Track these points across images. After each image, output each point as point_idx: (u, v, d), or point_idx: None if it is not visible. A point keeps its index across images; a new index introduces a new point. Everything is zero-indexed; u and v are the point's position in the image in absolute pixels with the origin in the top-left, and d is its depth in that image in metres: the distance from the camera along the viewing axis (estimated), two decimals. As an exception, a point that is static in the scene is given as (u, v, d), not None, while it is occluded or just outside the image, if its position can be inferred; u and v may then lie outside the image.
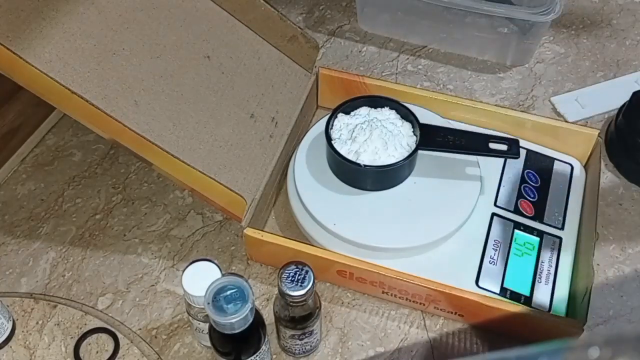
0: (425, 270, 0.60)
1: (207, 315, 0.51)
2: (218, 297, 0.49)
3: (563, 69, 0.85)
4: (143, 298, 0.64)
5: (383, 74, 0.85)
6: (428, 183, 0.66)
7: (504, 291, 0.61)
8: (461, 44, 0.87)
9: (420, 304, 0.62)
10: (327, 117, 0.67)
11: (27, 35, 0.52)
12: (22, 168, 0.75)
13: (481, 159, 0.68)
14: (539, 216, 0.67)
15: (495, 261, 0.63)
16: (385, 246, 0.62)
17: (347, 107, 0.68)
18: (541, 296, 0.61)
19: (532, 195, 0.68)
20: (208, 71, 0.65)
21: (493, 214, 0.66)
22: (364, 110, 0.68)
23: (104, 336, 0.61)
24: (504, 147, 0.65)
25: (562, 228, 0.66)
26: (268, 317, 0.60)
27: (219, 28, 0.68)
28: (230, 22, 0.70)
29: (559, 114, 0.80)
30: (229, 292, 0.49)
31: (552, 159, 0.72)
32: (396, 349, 0.60)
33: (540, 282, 0.62)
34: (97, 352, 0.60)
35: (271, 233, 0.64)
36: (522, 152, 0.71)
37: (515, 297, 0.61)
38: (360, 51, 0.89)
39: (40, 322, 0.62)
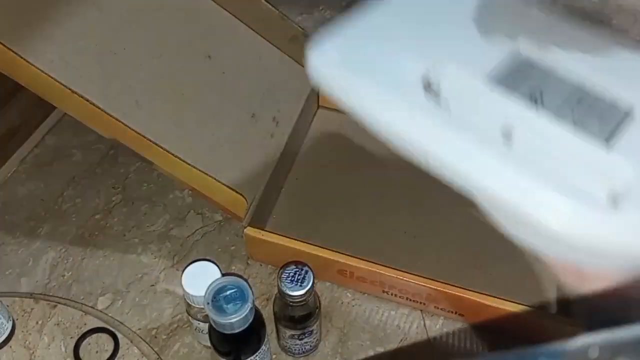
0: None
1: (207, 315, 0.51)
2: (218, 297, 0.49)
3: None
4: (143, 298, 0.64)
5: (383, 74, 0.85)
6: None
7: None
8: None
9: (421, 303, 0.62)
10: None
11: (29, 35, 0.52)
12: (22, 168, 0.75)
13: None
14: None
15: None
16: None
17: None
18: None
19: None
20: (209, 71, 0.65)
21: None
22: None
23: (103, 336, 0.61)
24: None
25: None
26: (268, 317, 0.60)
27: (220, 28, 0.68)
28: (232, 22, 0.70)
29: (559, 114, 0.80)
30: (228, 292, 0.49)
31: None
32: (396, 349, 0.60)
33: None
34: (96, 352, 0.60)
35: (271, 232, 0.64)
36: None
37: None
38: (360, 51, 0.89)
39: (40, 322, 0.62)
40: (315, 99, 0.79)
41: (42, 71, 0.51)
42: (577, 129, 0.45)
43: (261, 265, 0.66)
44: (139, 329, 0.62)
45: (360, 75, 0.49)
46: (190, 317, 0.57)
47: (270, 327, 0.58)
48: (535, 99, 0.47)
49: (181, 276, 0.54)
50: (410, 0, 0.61)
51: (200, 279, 0.53)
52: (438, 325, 0.62)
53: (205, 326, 0.55)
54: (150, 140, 0.57)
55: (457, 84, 0.49)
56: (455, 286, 0.59)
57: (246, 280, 0.50)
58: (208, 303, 0.48)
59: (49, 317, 0.62)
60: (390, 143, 0.48)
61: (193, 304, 0.55)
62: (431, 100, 0.48)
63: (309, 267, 0.54)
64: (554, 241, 0.38)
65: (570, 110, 0.46)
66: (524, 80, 0.49)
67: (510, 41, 0.54)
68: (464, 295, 0.58)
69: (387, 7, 0.59)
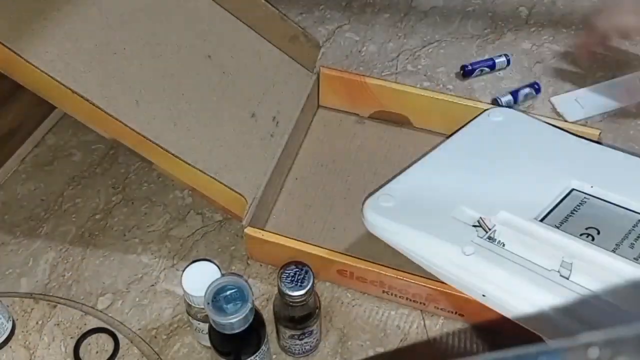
0: None
1: (207, 315, 0.51)
2: (218, 297, 0.49)
3: (563, 69, 0.85)
4: (143, 298, 0.64)
5: (383, 73, 0.85)
6: None
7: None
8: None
9: (421, 303, 0.62)
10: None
11: (29, 35, 0.52)
12: (22, 168, 0.75)
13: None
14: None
15: None
16: None
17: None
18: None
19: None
20: (209, 71, 0.65)
21: None
22: None
23: (103, 336, 0.61)
24: None
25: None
26: (268, 317, 0.60)
27: (220, 28, 0.68)
28: (232, 22, 0.70)
29: (558, 114, 0.80)
30: (228, 292, 0.49)
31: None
32: (396, 349, 0.60)
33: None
34: (96, 352, 0.60)
35: (272, 232, 0.64)
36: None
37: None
38: (360, 51, 0.89)
39: (40, 322, 0.62)
40: (315, 99, 0.79)
41: (42, 71, 0.51)
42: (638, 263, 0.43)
43: (261, 265, 0.66)
44: (139, 329, 0.62)
45: (415, 225, 0.50)
46: (190, 317, 0.57)
47: (270, 327, 0.58)
48: (592, 236, 0.46)
49: (181, 276, 0.54)
50: (457, 151, 0.61)
51: (200, 279, 0.53)
52: (438, 326, 0.62)
53: (205, 326, 0.55)
54: (150, 140, 0.57)
55: (512, 228, 0.49)
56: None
57: (246, 280, 0.50)
58: (208, 303, 0.48)
59: (49, 317, 0.62)
60: (447, 282, 0.48)
61: (193, 304, 0.55)
62: (486, 245, 0.48)
63: (309, 267, 0.54)
64: None
65: (628, 245, 0.45)
66: (578, 219, 0.47)
67: (562, 182, 0.53)
68: (464, 295, 0.58)
69: (436, 161, 0.59)
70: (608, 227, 0.48)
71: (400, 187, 0.55)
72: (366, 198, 0.55)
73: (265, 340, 0.53)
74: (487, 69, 0.83)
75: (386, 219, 0.52)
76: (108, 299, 0.64)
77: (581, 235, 0.47)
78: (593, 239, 0.47)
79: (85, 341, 0.60)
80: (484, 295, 0.47)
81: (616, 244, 0.47)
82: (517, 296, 0.46)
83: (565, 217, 0.50)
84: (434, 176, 0.56)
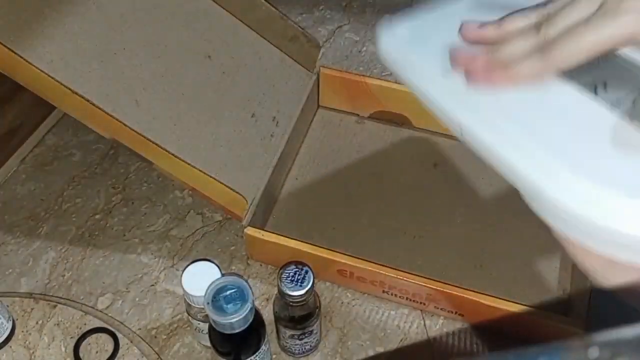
0: None
1: (207, 315, 0.51)
2: (218, 297, 0.49)
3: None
4: (143, 298, 0.64)
5: (383, 73, 0.85)
6: None
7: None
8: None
9: (421, 303, 0.62)
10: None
11: (29, 35, 0.52)
12: (22, 168, 0.75)
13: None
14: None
15: None
16: None
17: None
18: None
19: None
20: (209, 71, 0.65)
21: None
22: None
23: (103, 336, 0.61)
24: None
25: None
26: (268, 317, 0.60)
27: (220, 28, 0.68)
28: (232, 22, 0.70)
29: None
30: (228, 292, 0.49)
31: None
32: (396, 349, 0.60)
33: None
34: (96, 352, 0.60)
35: (272, 232, 0.64)
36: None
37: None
38: (360, 51, 0.89)
39: (40, 322, 0.62)
40: (315, 99, 0.79)
41: (42, 71, 0.51)
42: (629, 121, 0.40)
43: (261, 265, 0.66)
44: (139, 329, 0.62)
45: (427, 55, 0.46)
46: (190, 317, 0.57)
47: (270, 327, 0.58)
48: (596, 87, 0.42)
49: (181, 276, 0.54)
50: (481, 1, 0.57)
51: (200, 279, 0.53)
52: (438, 325, 0.62)
53: (205, 326, 0.55)
54: (150, 140, 0.57)
55: None
56: (455, 286, 0.59)
57: (246, 280, 0.50)
58: (208, 303, 0.48)
59: (49, 317, 0.62)
60: (437, 116, 0.44)
61: (193, 304, 0.55)
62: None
63: (309, 267, 0.54)
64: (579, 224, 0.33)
65: (630, 102, 0.42)
66: (589, 71, 0.44)
67: None
68: (464, 295, 0.58)
69: (459, 5, 0.54)
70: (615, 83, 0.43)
71: (419, 20, 0.49)
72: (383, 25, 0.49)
73: (265, 340, 0.53)
74: None
75: (401, 46, 0.46)
76: (108, 299, 0.64)
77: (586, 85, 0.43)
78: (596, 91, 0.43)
79: (85, 341, 0.60)
80: (461, 132, 0.42)
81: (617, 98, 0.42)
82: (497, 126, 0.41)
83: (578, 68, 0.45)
84: (454, 15, 0.50)
